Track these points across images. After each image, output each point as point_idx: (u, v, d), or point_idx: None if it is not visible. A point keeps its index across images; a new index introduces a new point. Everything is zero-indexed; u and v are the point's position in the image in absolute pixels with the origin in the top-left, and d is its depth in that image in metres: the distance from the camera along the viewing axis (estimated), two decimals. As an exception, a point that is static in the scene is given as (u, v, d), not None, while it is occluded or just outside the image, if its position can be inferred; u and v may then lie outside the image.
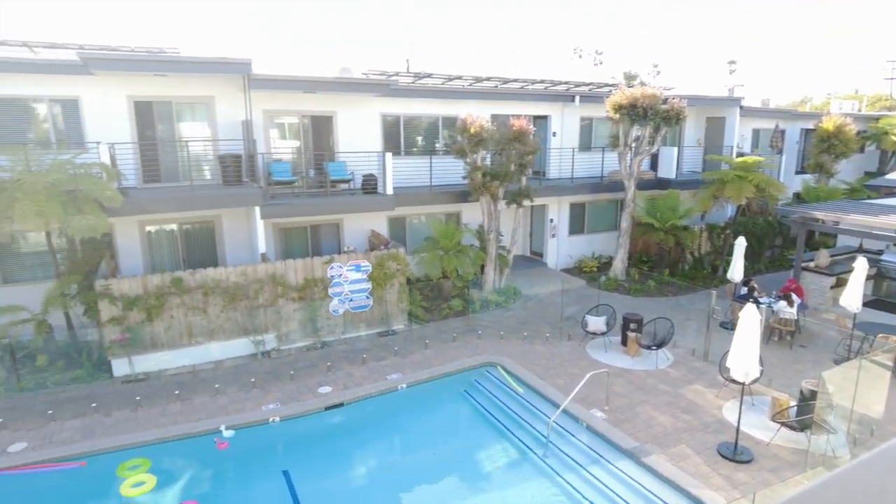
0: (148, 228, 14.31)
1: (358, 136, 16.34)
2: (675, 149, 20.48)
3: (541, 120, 19.46)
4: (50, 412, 10.49)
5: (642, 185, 19.16)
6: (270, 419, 10.35)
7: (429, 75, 18.86)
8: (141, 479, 8.79)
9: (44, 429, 10.06)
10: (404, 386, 11.69)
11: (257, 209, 13.31)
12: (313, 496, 8.64)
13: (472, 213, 17.90)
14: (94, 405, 10.75)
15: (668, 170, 20.27)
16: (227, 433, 10.03)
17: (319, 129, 16.27)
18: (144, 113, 13.98)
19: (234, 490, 9.05)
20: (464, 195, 16.67)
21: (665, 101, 17.27)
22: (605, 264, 20.00)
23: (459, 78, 19.22)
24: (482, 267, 16.75)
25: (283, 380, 11.88)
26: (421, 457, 10.02)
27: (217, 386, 11.50)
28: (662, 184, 20.04)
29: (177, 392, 11.25)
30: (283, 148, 15.89)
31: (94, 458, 9.34)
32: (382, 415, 11.09)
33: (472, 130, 15.30)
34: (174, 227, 14.58)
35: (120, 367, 11.97)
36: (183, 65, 13.39)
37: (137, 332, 11.93)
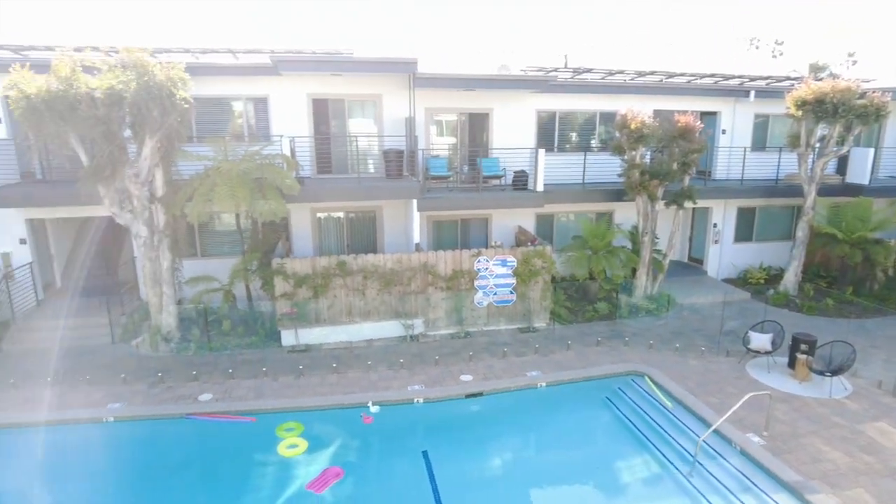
0: (318, 215, 15.76)
1: (512, 133, 16.48)
2: (872, 150, 17.84)
3: (709, 116, 18.07)
4: (230, 371, 12.06)
5: (825, 190, 17.00)
6: (415, 399, 10.92)
7: (588, 70, 18.42)
8: (294, 442, 9.77)
9: (225, 384, 11.59)
10: (543, 384, 11.64)
11: (415, 202, 14.03)
12: (449, 479, 8.94)
13: (626, 214, 17.20)
14: (264, 369, 12.15)
15: (860, 174, 17.73)
16: (374, 409, 10.76)
17: (475, 126, 16.69)
18: (320, 110, 15.39)
19: (375, 463, 9.67)
20: (618, 194, 16.08)
21: (862, 95, 15.12)
22: (775, 277, 18.08)
23: (621, 72, 18.52)
24: (633, 270, 16.04)
25: (428, 363, 12.44)
26: (556, 457, 9.92)
27: (369, 363, 12.37)
28: (851, 190, 17.59)
29: (334, 365, 12.31)
30: (440, 144, 16.55)
31: (261, 416, 10.56)
32: (520, 409, 11.15)
33: (633, 126, 14.68)
34: (341, 214, 15.90)
35: (287, 337, 13.36)
36: (357, 65, 14.52)
37: (304, 308, 13.22)
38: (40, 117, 10.92)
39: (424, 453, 9.59)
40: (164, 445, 10.17)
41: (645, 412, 10.75)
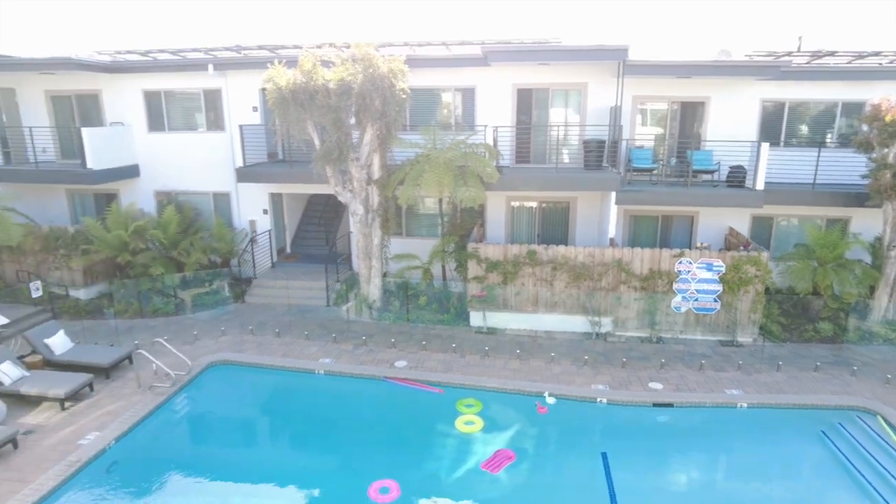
0: (512, 203, 16.03)
1: (729, 124, 14.95)
2: None
3: None
4: (423, 343, 12.94)
5: None
6: (598, 399, 10.65)
7: (830, 53, 15.91)
8: (472, 420, 10.16)
9: (418, 354, 12.47)
10: (744, 405, 10.53)
11: (613, 194, 13.54)
12: (628, 486, 8.59)
13: (867, 222, 14.63)
14: (453, 346, 12.80)
15: None
16: (550, 400, 10.73)
17: (686, 116, 15.49)
18: (524, 99, 15.53)
19: (549, 453, 9.67)
20: (858, 198, 13.74)
21: None
22: None
23: (876, 54, 15.67)
24: (871, 289, 13.64)
25: (614, 365, 12.02)
26: (751, 486, 8.92)
27: (553, 355, 12.35)
28: None
29: (518, 351, 12.52)
30: (644, 134, 15.68)
31: (447, 388, 11.18)
32: (714, 429, 10.24)
33: (888, 119, 12.39)
34: (534, 204, 15.98)
35: (476, 318, 13.90)
36: (567, 53, 14.34)
37: (493, 292, 13.61)
38: (286, 106, 12.70)
39: (603, 455, 9.33)
40: (361, 402, 11.34)
41: (872, 456, 9.15)
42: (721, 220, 15.25)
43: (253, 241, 16.70)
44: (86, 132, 15.58)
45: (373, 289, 14.78)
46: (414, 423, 10.58)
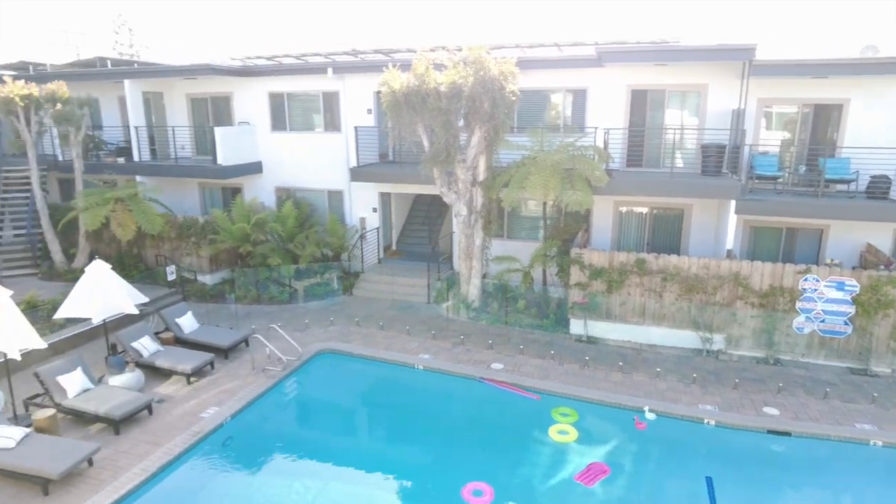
0: (621, 209, 15.49)
1: (872, 129, 13.47)
2: None
3: None
4: (521, 347, 12.85)
5: None
6: (706, 420, 10.02)
7: None
8: (566, 429, 9.92)
9: (515, 358, 12.41)
10: (879, 443, 9.45)
11: (732, 203, 12.68)
12: (737, 517, 8.03)
13: None
14: (552, 352, 12.60)
15: None
16: (649, 415, 10.25)
17: (819, 120, 14.15)
18: (638, 101, 14.95)
19: (647, 471, 9.22)
20: None
21: None
22: None
23: None
24: None
25: (725, 385, 11.26)
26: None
27: (658, 370, 11.79)
28: None
29: (620, 363, 12.08)
30: (770, 140, 14.53)
31: (544, 395, 11.02)
32: (839, 465, 9.29)
33: None
34: (644, 210, 15.33)
35: (576, 326, 13.58)
36: (687, 53, 13.64)
37: (595, 300, 13.23)
38: (399, 109, 13.11)
39: (708, 479, 8.77)
40: (457, 400, 11.48)
41: None
42: (857, 234, 13.79)
43: (362, 237, 17.43)
44: (218, 131, 17.04)
45: (472, 289, 14.90)
46: (508, 426, 10.54)
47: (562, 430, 9.92)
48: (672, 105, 14.90)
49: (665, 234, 15.36)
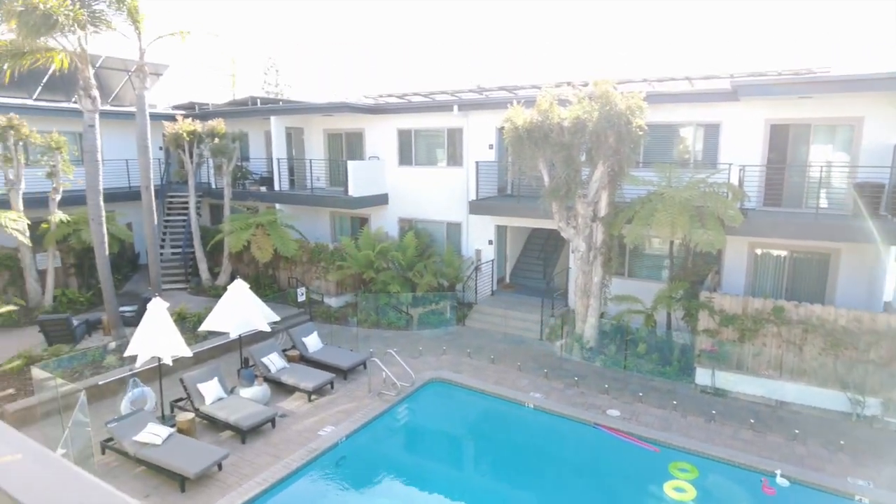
0: (756, 251, 14.31)
1: None
2: None
3: None
4: (640, 394, 12.15)
5: None
6: (857, 497, 8.78)
7: None
8: (684, 486, 9.13)
9: (633, 406, 11.74)
10: None
11: (894, 250, 11.25)
12: None
13: None
14: (674, 402, 11.78)
15: None
16: (781, 481, 9.18)
17: None
18: (778, 136, 13.87)
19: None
20: None
21: None
22: None
23: None
24: None
25: (883, 457, 9.83)
26: None
27: (797, 432, 10.57)
28: None
29: (751, 421, 10.99)
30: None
31: (663, 447, 10.28)
32: None
33: None
34: (783, 253, 14.05)
35: (702, 376, 12.61)
36: (835, 84, 12.50)
37: (726, 349, 12.24)
38: (521, 144, 13.22)
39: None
40: (569, 444, 11.05)
41: None
42: None
43: (477, 269, 17.61)
44: (350, 165, 18.20)
45: (588, 329, 14.41)
46: (620, 477, 9.96)
47: (679, 488, 9.19)
48: (818, 140, 13.64)
49: (807, 280, 13.92)
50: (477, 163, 17.11)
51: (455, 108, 17.55)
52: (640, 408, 11.65)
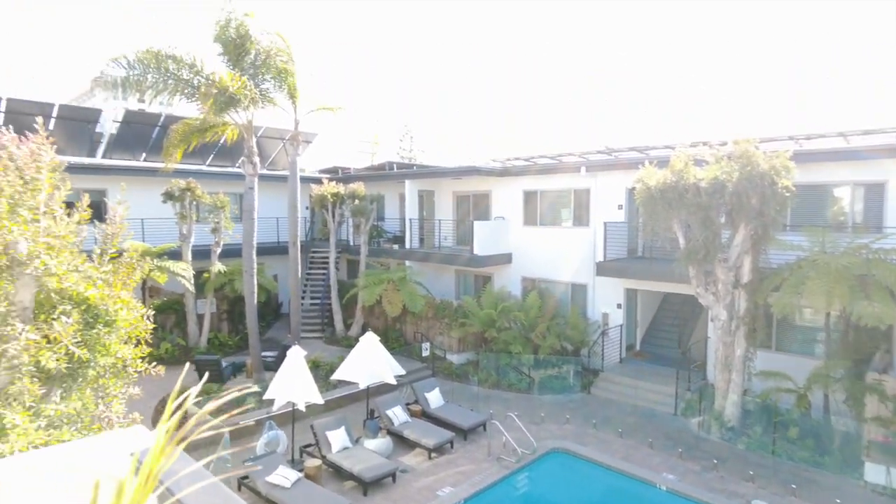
0: (939, 328, 12.34)
1: None
2: None
3: None
4: (792, 486, 10.67)
5: None
6: None
7: None
8: None
9: (785, 499, 10.33)
10: None
11: None
12: None
13: None
14: (837, 502, 10.19)
15: None
16: None
17: None
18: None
19: None
20: None
21: None
22: None
23: None
24: None
25: None
26: None
27: None
28: None
29: (942, 533, 9.19)
30: None
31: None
32: None
33: None
34: (976, 333, 11.97)
35: (874, 472, 10.83)
36: None
37: (903, 442, 10.49)
38: (654, 204, 12.77)
39: None
40: (710, 536, 9.90)
41: None
42: None
43: (604, 333, 16.92)
44: (476, 225, 18.66)
45: (729, 406, 13.10)
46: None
47: None
48: None
49: None
50: (605, 223, 16.75)
51: (582, 168, 17.48)
52: (794, 502, 10.22)
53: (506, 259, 19.59)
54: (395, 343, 19.10)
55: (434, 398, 14.03)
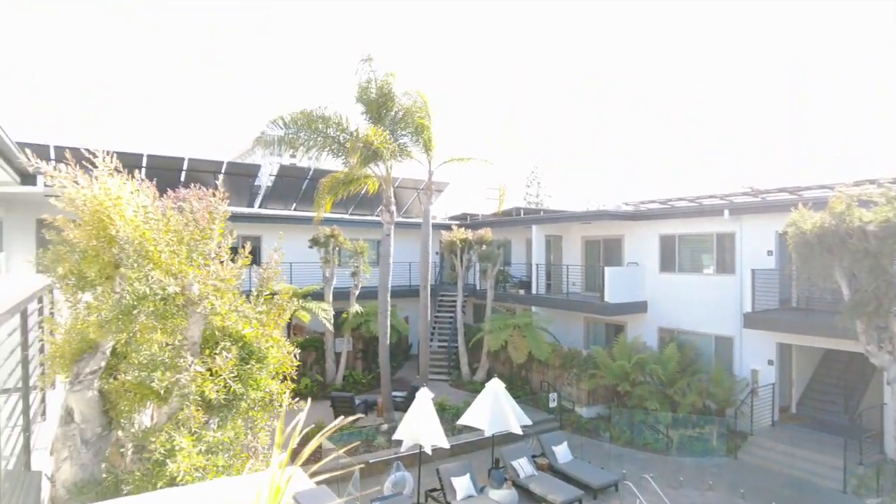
0: None
1: None
2: None
3: None
4: None
5: None
6: None
7: None
8: None
9: None
10: None
11: None
12: None
13: None
14: None
15: None
16: None
17: None
18: None
19: None
20: None
21: None
22: None
23: None
24: None
25: None
26: None
27: None
28: None
29: None
30: None
31: None
32: None
33: None
34: None
35: None
36: None
37: None
38: (810, 251, 11.57)
39: None
40: None
41: None
42: None
43: (753, 392, 15.31)
44: (608, 271, 18.04)
45: (917, 487, 11.15)
46: None
47: None
48: None
49: None
50: (753, 270, 15.39)
51: (725, 212, 16.32)
52: None
53: (640, 307, 18.63)
54: (521, 391, 18.74)
55: (562, 452, 13.48)
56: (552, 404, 16.37)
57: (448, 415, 15.99)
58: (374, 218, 23.65)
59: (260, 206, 23.64)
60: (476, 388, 17.22)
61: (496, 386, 12.71)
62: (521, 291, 21.81)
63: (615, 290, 17.90)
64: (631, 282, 18.59)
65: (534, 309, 20.66)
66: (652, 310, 18.60)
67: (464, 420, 12.72)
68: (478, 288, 23.33)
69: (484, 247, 20.48)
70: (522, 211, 25.73)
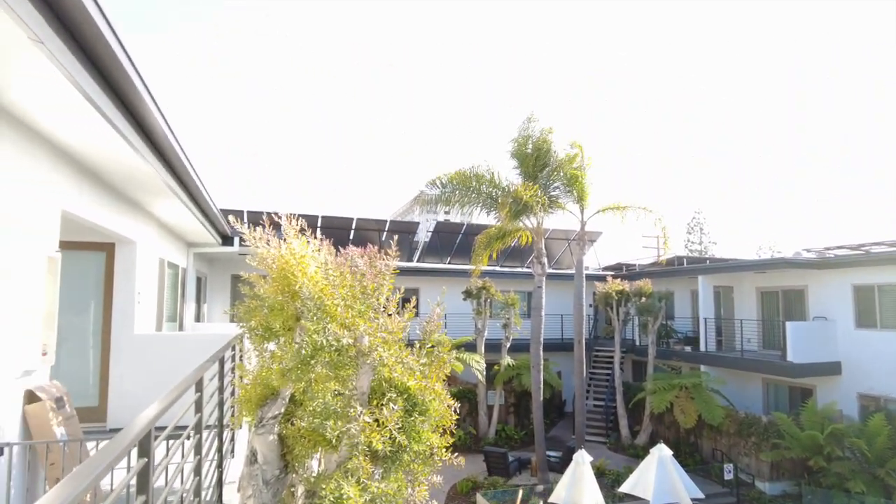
0: None
1: None
2: None
3: None
4: None
5: None
6: None
7: None
8: None
9: None
10: None
11: None
12: None
13: None
14: None
15: None
16: None
17: None
18: None
19: None
20: None
21: None
22: None
23: None
24: None
25: None
26: None
27: None
28: None
29: None
30: None
31: None
32: None
33: None
34: None
35: None
36: None
37: None
38: None
39: None
40: None
41: None
42: None
43: None
44: (790, 326, 16.02)
45: None
46: None
47: None
48: None
49: None
50: None
51: (943, 259, 13.82)
52: None
53: (832, 369, 16.17)
54: (689, 459, 16.97)
55: (743, 533, 11.86)
56: (727, 476, 14.57)
57: (607, 480, 14.95)
58: (525, 269, 23.61)
59: (418, 261, 24.84)
60: (637, 453, 16.00)
61: (663, 452, 11.66)
62: (688, 348, 20.11)
63: (800, 348, 15.78)
64: (819, 339, 16.28)
65: (702, 368, 18.88)
66: (847, 372, 16.03)
67: (625, 488, 11.77)
68: (636, 343, 21.98)
69: (643, 299, 19.36)
70: (685, 260, 24.04)
